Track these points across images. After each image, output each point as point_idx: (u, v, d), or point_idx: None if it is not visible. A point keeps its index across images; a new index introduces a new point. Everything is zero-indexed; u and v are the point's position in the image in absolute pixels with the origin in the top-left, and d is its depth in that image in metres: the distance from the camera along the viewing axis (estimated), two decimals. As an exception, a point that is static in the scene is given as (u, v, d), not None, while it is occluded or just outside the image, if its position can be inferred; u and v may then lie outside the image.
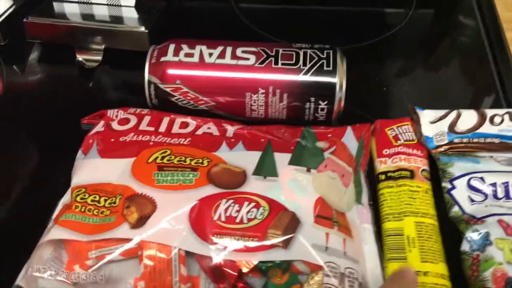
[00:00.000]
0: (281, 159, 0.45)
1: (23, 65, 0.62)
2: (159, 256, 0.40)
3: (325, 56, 0.50)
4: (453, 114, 0.51)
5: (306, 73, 0.49)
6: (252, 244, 0.40)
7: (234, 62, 0.50)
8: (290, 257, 0.39)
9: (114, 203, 0.43)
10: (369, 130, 0.50)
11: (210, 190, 0.43)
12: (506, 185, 0.44)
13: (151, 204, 0.42)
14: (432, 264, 0.41)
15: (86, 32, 0.59)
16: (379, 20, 0.69)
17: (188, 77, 0.51)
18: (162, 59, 0.51)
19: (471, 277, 0.41)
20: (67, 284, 0.40)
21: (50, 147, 0.53)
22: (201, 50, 0.51)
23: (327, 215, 0.42)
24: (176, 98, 0.51)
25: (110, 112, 0.51)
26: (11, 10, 0.61)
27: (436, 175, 0.47)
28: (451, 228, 0.44)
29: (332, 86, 0.49)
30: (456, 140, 0.49)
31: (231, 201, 0.42)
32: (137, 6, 0.61)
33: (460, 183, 0.45)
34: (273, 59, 0.50)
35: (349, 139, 0.48)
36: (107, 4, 0.61)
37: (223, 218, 0.41)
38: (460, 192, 0.45)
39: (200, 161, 0.45)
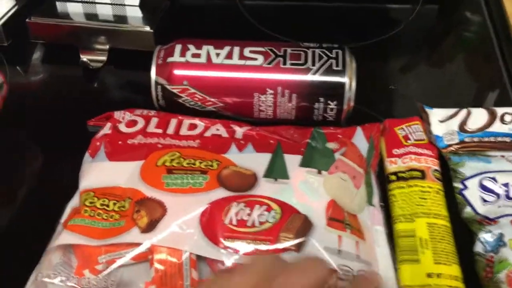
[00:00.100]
0: (292, 160, 0.45)
1: (26, 66, 0.62)
2: (170, 260, 0.40)
3: (334, 55, 0.49)
4: (463, 112, 0.50)
5: (315, 73, 0.49)
6: (264, 247, 0.39)
7: (242, 62, 0.50)
8: (303, 261, 0.39)
9: (124, 207, 0.43)
10: (378, 130, 0.49)
11: (220, 193, 0.42)
12: (518, 185, 0.44)
13: (161, 208, 0.42)
14: (445, 266, 0.41)
15: (90, 32, 0.59)
16: (384, 17, 0.68)
17: (196, 78, 0.50)
18: (169, 59, 0.50)
19: (485, 278, 0.40)
20: (77, 290, 0.40)
21: (55, 149, 0.53)
22: (208, 51, 0.50)
23: (339, 217, 0.41)
24: (183, 99, 0.51)
25: (117, 114, 0.50)
26: (13, 10, 0.60)
27: (446, 175, 0.47)
28: (462, 229, 0.44)
29: (341, 86, 0.49)
30: (467, 139, 0.48)
31: (242, 204, 0.41)
32: (142, 5, 0.60)
33: (472, 183, 0.45)
34: (281, 59, 0.49)
35: (359, 139, 0.48)
36: (110, 4, 0.60)
37: (234, 222, 0.40)
38: (472, 192, 0.45)
39: (210, 163, 0.44)
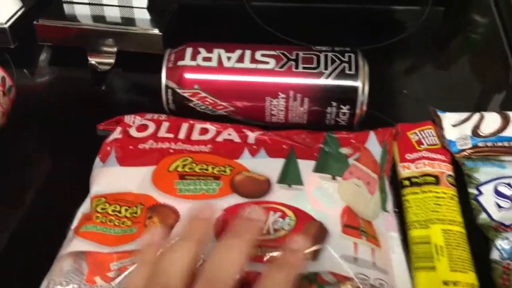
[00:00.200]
0: (305, 166, 0.44)
1: (33, 68, 0.61)
2: None
3: (346, 59, 0.49)
4: (476, 116, 0.50)
5: (327, 77, 0.48)
6: (279, 255, 0.39)
7: (253, 66, 0.49)
8: (319, 268, 0.38)
9: (136, 213, 0.42)
10: (391, 135, 0.49)
11: (234, 199, 0.42)
12: (533, 191, 0.44)
13: (174, 214, 0.42)
14: (461, 273, 0.40)
15: (98, 34, 0.58)
16: (391, 19, 0.68)
17: (207, 82, 0.49)
18: (179, 63, 0.50)
19: (502, 286, 0.40)
20: (90, 297, 0.39)
21: (63, 153, 0.52)
22: (219, 54, 0.50)
23: (354, 224, 0.41)
24: (194, 103, 0.50)
25: (127, 118, 0.50)
26: (20, 12, 0.60)
27: (460, 181, 0.47)
28: (477, 235, 0.44)
29: (354, 90, 0.48)
30: (480, 144, 0.48)
31: (256, 211, 0.41)
32: (150, 8, 0.60)
33: (487, 189, 0.45)
34: (293, 62, 0.49)
35: (372, 144, 0.47)
36: (118, 6, 0.60)
37: (248, 229, 0.40)
38: (487, 198, 0.44)
39: (223, 169, 0.44)
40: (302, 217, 0.41)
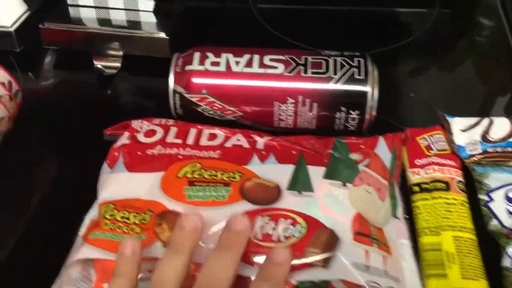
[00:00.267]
0: (315, 172, 0.44)
1: (38, 72, 0.61)
2: (192, 275, 0.39)
3: (356, 64, 0.49)
4: (485, 121, 0.50)
5: (337, 82, 0.48)
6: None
7: (262, 70, 0.49)
8: (330, 276, 0.38)
9: (144, 220, 0.42)
10: (400, 140, 0.49)
11: (244, 206, 0.41)
12: (544, 197, 0.44)
13: (184, 221, 0.41)
14: (473, 281, 0.40)
15: (104, 38, 0.58)
16: (400, 22, 0.67)
17: (215, 86, 0.49)
18: (187, 67, 0.50)
19: (514, 293, 0.40)
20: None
21: (69, 157, 0.52)
22: (227, 59, 0.49)
23: (366, 232, 0.40)
24: (202, 108, 0.50)
25: (135, 123, 0.49)
26: (25, 16, 0.59)
27: (470, 187, 0.46)
28: (488, 242, 0.43)
29: (364, 95, 0.48)
30: (489, 149, 0.48)
31: (266, 217, 0.40)
32: (156, 11, 0.59)
33: (498, 196, 0.44)
34: (302, 67, 0.49)
35: (382, 149, 0.47)
36: (124, 9, 0.59)
37: (259, 236, 0.39)
38: (498, 204, 0.44)
39: (232, 175, 0.44)
40: (313, 224, 0.40)
